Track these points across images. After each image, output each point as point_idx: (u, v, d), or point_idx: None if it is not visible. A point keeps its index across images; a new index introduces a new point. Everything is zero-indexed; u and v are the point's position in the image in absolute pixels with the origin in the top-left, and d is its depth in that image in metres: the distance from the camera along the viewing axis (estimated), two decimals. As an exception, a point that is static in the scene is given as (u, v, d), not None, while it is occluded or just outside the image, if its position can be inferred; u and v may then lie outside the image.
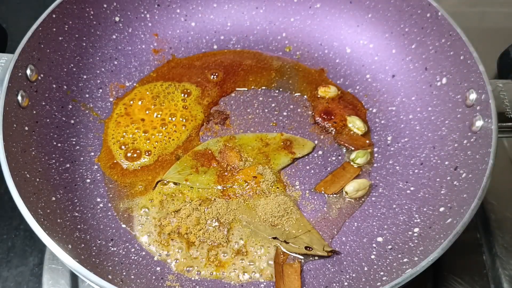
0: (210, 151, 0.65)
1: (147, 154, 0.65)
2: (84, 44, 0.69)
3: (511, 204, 0.65)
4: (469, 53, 0.59)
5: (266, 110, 0.70)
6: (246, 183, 0.62)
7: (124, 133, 0.67)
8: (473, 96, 0.58)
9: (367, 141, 0.67)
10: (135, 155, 0.65)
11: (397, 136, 0.66)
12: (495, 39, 0.82)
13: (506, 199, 0.65)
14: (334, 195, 0.62)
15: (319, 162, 0.65)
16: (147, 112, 0.69)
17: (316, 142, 0.67)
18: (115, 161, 0.64)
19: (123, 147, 0.65)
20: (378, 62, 0.72)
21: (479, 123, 0.56)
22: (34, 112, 0.60)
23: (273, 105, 0.70)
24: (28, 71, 0.59)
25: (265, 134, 0.67)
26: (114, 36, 0.73)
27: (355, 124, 0.67)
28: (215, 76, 0.73)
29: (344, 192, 0.62)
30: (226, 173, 0.63)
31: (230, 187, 0.62)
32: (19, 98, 0.57)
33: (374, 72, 0.72)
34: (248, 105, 0.71)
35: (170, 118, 0.68)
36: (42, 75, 0.62)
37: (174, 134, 0.67)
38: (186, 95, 0.71)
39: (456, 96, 0.61)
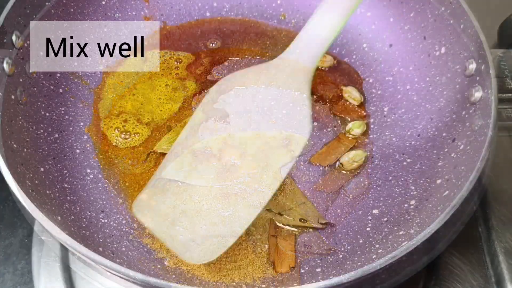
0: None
1: (136, 135, 0.64)
2: (72, 10, 0.67)
3: (508, 177, 0.64)
4: (470, 22, 0.57)
5: (260, 80, 0.68)
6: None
7: (115, 105, 0.65)
8: (472, 66, 0.57)
9: (363, 112, 0.65)
10: (127, 134, 0.63)
11: (394, 107, 0.65)
12: (496, 7, 0.80)
13: (503, 172, 0.65)
14: (329, 167, 0.61)
15: (314, 134, 0.64)
16: (138, 81, 0.67)
17: (310, 113, 0.66)
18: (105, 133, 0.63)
19: (116, 130, 0.64)
20: (375, 31, 0.71)
21: (478, 94, 0.55)
22: (21, 80, 0.58)
23: (267, 74, 0.69)
24: (14, 38, 0.57)
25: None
26: (103, 2, 0.70)
27: (351, 95, 0.66)
28: (213, 44, 0.72)
29: (339, 164, 0.61)
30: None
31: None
32: (5, 65, 0.55)
33: (371, 41, 0.71)
34: (242, 76, 0.69)
35: (162, 88, 0.67)
36: (28, 42, 0.60)
37: (165, 104, 0.66)
38: (178, 63, 0.69)
39: (455, 66, 0.60)
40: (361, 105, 0.66)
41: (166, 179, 0.58)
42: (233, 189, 0.58)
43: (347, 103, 0.66)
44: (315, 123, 0.65)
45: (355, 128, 0.63)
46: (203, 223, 0.56)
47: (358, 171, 0.61)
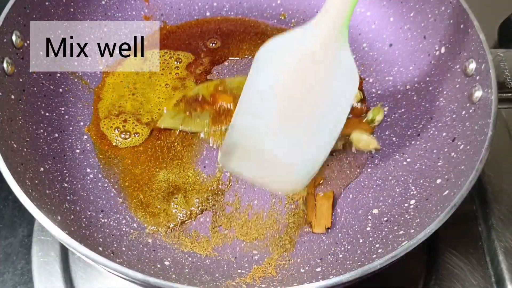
0: (201, 96, 0.63)
1: (136, 134, 0.63)
2: (72, 9, 0.67)
3: (508, 176, 0.64)
4: (470, 22, 0.57)
5: (260, 80, 0.68)
6: None
7: (115, 105, 0.65)
8: (472, 65, 0.57)
9: (364, 107, 0.65)
10: (127, 134, 0.63)
11: (394, 106, 0.65)
12: (496, 7, 0.80)
13: (503, 171, 0.65)
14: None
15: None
16: (138, 81, 0.67)
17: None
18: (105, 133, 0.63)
19: (116, 130, 0.64)
20: (375, 31, 0.70)
21: (478, 93, 0.55)
22: (21, 80, 0.58)
23: (267, 74, 0.69)
24: (14, 38, 0.57)
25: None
26: (103, 2, 0.70)
27: (351, 94, 0.66)
28: (213, 44, 0.71)
29: (348, 138, 0.62)
30: (220, 115, 0.62)
31: (225, 129, 0.61)
32: (5, 65, 0.55)
33: (371, 40, 0.70)
34: (242, 74, 0.69)
35: (162, 87, 0.67)
36: (28, 42, 0.60)
37: (165, 104, 0.66)
38: (178, 63, 0.69)
39: (455, 65, 0.60)
40: (361, 104, 0.66)
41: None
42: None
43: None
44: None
45: (376, 115, 0.63)
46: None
47: (358, 170, 0.61)
